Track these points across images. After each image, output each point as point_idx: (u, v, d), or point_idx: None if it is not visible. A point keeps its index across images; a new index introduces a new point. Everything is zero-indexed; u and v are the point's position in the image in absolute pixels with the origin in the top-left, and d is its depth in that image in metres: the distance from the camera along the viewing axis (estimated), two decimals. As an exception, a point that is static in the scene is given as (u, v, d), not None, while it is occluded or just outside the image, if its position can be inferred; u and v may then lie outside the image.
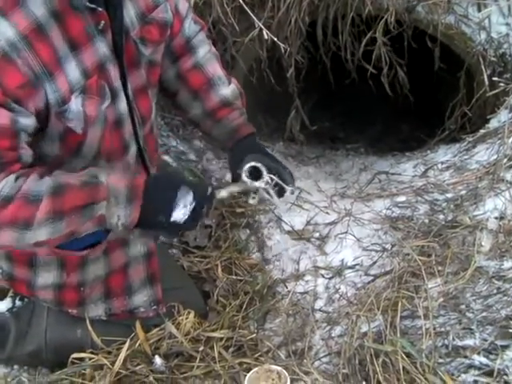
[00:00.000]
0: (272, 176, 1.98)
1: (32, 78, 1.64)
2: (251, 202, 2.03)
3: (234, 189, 2.01)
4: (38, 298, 2.20)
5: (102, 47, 1.79)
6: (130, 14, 1.88)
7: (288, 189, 2.02)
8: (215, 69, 2.22)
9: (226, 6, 3.16)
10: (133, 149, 2.03)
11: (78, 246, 2.05)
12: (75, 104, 1.74)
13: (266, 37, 2.88)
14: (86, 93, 1.76)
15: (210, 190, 1.87)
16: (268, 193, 1.99)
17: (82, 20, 1.72)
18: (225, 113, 2.18)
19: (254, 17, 2.97)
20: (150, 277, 2.26)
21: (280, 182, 2.00)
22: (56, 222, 1.69)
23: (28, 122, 1.67)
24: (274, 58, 3.51)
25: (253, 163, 1.97)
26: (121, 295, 2.24)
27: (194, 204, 1.78)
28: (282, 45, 3.00)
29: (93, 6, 1.70)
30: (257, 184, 1.96)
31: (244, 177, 1.96)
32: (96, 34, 1.76)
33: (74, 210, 1.71)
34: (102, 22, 1.76)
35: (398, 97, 3.66)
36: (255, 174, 1.97)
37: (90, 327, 2.21)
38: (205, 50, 2.23)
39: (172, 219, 1.78)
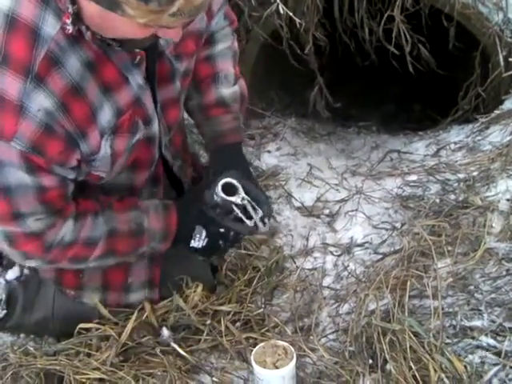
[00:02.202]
0: (246, 197, 2.01)
1: (69, 141, 1.67)
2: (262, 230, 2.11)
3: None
4: (39, 273, 2.23)
5: (137, 79, 1.78)
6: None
7: (257, 218, 2.05)
8: (225, 65, 2.22)
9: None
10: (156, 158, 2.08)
11: None
12: (103, 150, 1.78)
13: (281, 11, 2.86)
14: (116, 132, 1.79)
15: (222, 230, 2.07)
16: (244, 208, 2.02)
17: (116, 61, 1.71)
18: (218, 112, 2.19)
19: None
20: (150, 281, 2.27)
21: (253, 205, 2.04)
22: (107, 258, 2.01)
23: (71, 175, 1.78)
24: (289, 35, 3.48)
25: (229, 179, 1.99)
26: (118, 290, 2.26)
27: (206, 239, 2.07)
28: (297, 20, 2.99)
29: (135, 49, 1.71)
30: (232, 199, 2.00)
31: (218, 190, 1.99)
32: (131, 68, 1.75)
33: (123, 253, 2.03)
34: (139, 57, 1.75)
35: (413, 75, 3.63)
36: (230, 190, 2.00)
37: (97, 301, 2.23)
38: (224, 45, 2.23)
39: (190, 246, 2.08)
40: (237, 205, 2.00)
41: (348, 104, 4.40)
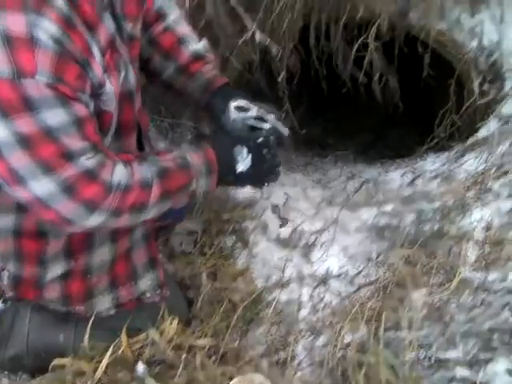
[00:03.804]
0: (259, 109, 2.15)
1: (81, 66, 1.66)
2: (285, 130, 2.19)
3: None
4: (44, 298, 2.17)
5: (110, 22, 1.82)
6: None
7: (284, 130, 2.17)
8: (185, 29, 2.29)
9: (218, 7, 3.16)
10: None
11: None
12: (108, 85, 1.79)
13: (258, 39, 2.88)
14: (107, 70, 1.79)
15: (256, 137, 2.11)
16: (262, 119, 2.15)
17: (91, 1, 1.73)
18: (198, 66, 2.25)
19: (246, 19, 2.98)
20: (151, 261, 2.28)
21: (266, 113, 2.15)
22: (165, 201, 1.96)
23: (90, 107, 1.76)
24: (266, 61, 3.51)
25: (240, 101, 2.09)
26: (127, 282, 2.24)
27: (250, 155, 2.08)
28: (274, 46, 3.01)
29: None
30: (249, 114, 2.14)
31: (233, 111, 2.13)
32: (102, 10, 1.79)
33: (178, 190, 1.98)
34: None
35: (388, 104, 3.66)
36: (242, 109, 2.15)
37: (74, 332, 2.22)
38: (175, 15, 2.29)
39: (238, 172, 2.08)
40: (255, 118, 2.14)
41: (325, 132, 4.43)
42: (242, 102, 2.14)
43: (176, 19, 2.28)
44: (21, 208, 1.94)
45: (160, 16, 2.25)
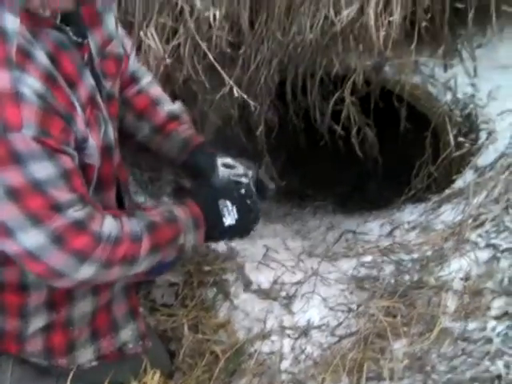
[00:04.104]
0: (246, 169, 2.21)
1: (65, 120, 1.69)
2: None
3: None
4: (26, 351, 2.14)
5: (89, 79, 1.85)
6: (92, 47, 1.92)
7: (270, 185, 2.28)
8: (158, 91, 2.34)
9: (196, 63, 3.21)
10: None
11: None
12: (91, 139, 1.81)
13: (236, 94, 2.93)
14: (89, 125, 1.82)
15: (239, 189, 2.16)
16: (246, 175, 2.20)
17: (71, 56, 1.77)
18: (174, 126, 2.30)
19: (224, 74, 3.02)
20: (131, 311, 2.27)
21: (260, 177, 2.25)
22: (154, 254, 1.96)
23: (76, 160, 1.78)
24: (244, 116, 3.55)
25: (225, 159, 2.13)
26: (108, 333, 2.23)
27: (234, 207, 2.11)
28: (251, 103, 3.04)
29: (79, 39, 1.76)
30: (238, 171, 2.20)
31: (222, 169, 2.18)
32: (83, 67, 1.82)
33: (167, 243, 1.99)
34: (86, 54, 1.82)
35: (366, 156, 3.70)
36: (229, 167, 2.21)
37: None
38: (148, 79, 2.34)
39: (226, 226, 2.11)
40: (241, 175, 2.18)
41: (304, 184, 4.46)
42: (227, 160, 2.19)
43: (148, 82, 2.34)
44: (3, 262, 1.94)
45: (133, 79, 2.29)
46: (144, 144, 2.32)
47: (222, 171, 2.17)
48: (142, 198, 3.22)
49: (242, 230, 2.21)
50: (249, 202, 2.15)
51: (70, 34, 1.75)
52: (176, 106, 2.32)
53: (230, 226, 2.11)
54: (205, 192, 2.19)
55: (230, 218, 2.09)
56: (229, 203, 2.10)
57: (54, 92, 1.67)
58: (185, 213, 2.06)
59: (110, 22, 2.02)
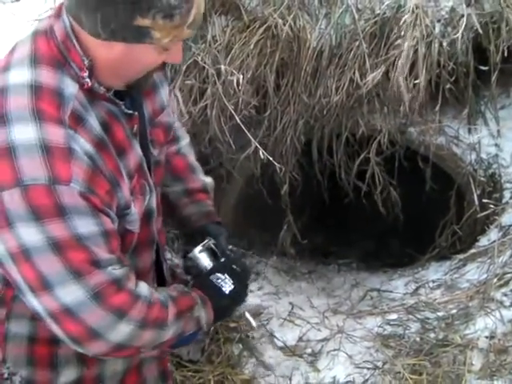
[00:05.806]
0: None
1: (110, 184, 1.72)
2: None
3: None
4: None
5: (138, 149, 1.88)
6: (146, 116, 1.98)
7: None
8: (193, 159, 2.36)
9: (223, 124, 3.25)
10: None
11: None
12: (133, 207, 1.82)
13: (261, 156, 2.97)
14: (133, 193, 1.84)
15: (222, 259, 2.15)
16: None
17: (122, 126, 1.80)
18: (203, 197, 2.31)
19: (250, 136, 3.07)
20: (162, 374, 2.27)
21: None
22: (178, 321, 1.91)
23: (116, 225, 1.78)
24: (268, 174, 3.58)
25: (210, 242, 2.16)
26: None
27: (225, 274, 2.10)
28: (277, 164, 3.08)
29: (130, 111, 1.80)
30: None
31: (196, 252, 2.14)
32: (132, 137, 1.85)
33: (188, 312, 1.95)
34: (135, 125, 1.85)
35: (389, 214, 3.73)
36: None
37: None
38: (186, 142, 2.36)
39: (228, 293, 2.07)
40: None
41: (328, 241, 4.48)
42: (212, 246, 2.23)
43: (187, 146, 2.37)
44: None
45: (174, 138, 2.33)
46: (173, 202, 2.36)
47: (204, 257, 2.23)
48: (168, 255, 3.25)
49: (243, 288, 2.23)
50: (234, 266, 2.18)
51: (123, 107, 1.81)
52: (209, 180, 2.36)
53: (231, 291, 2.10)
54: (197, 279, 2.21)
55: (227, 285, 2.10)
56: (220, 275, 2.10)
57: (103, 156, 1.71)
58: (192, 291, 2.05)
59: (165, 92, 2.08)
